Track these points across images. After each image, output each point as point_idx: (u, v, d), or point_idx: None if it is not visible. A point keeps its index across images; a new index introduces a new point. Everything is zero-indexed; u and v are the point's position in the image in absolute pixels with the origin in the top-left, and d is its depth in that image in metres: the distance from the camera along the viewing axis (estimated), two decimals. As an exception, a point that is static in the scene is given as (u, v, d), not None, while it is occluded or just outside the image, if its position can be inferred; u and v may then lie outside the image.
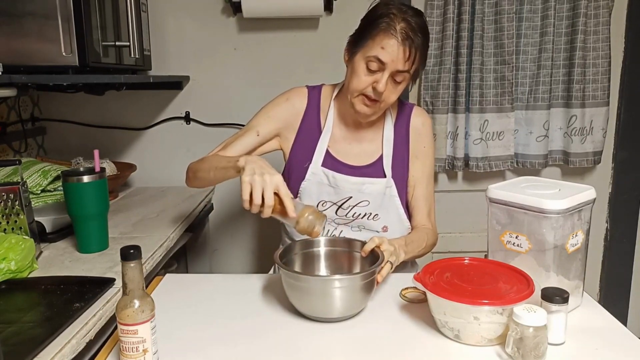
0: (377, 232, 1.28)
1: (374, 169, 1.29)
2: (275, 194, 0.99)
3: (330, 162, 1.28)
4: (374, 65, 1.14)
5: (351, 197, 1.26)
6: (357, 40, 1.18)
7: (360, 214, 1.27)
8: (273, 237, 1.47)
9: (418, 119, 1.33)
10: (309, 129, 1.31)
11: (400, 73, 1.14)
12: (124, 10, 1.48)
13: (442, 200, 2.04)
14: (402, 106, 1.34)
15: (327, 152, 1.29)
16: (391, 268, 1.04)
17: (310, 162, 1.28)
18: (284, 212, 1.00)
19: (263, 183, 0.98)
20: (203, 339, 0.90)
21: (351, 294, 0.94)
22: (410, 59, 1.13)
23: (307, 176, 1.27)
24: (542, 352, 0.79)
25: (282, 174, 1.36)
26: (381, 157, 1.29)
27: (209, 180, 1.21)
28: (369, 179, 1.26)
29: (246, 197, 0.99)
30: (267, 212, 1.00)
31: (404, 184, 1.31)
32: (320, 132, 1.30)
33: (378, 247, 1.03)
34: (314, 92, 1.34)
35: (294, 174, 1.31)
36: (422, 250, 1.25)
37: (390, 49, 1.11)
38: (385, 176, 1.28)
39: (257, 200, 0.98)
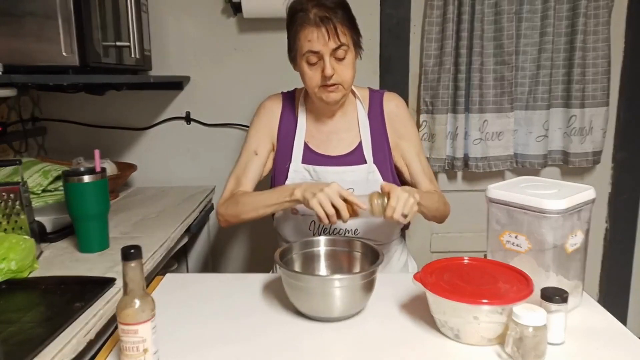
0: (367, 218, 1.29)
1: (354, 157, 1.31)
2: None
3: (310, 156, 1.31)
4: (312, 59, 1.19)
5: None
6: (290, 46, 1.24)
7: None
8: (273, 237, 1.47)
9: (391, 103, 1.36)
10: (287, 130, 1.35)
11: (337, 50, 1.18)
12: (124, 10, 1.48)
13: (442, 200, 2.04)
14: (373, 95, 1.37)
15: (307, 147, 1.32)
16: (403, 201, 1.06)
17: (291, 162, 1.31)
18: (354, 211, 1.07)
19: (327, 196, 1.06)
20: (203, 339, 0.90)
21: (351, 294, 0.94)
22: (334, 35, 1.16)
23: (289, 175, 1.30)
24: (541, 352, 0.79)
25: (271, 178, 1.38)
26: (360, 145, 1.32)
27: (256, 218, 1.24)
28: (350, 167, 1.29)
29: (323, 214, 1.06)
30: (345, 215, 1.06)
31: (387, 167, 1.33)
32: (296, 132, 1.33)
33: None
34: (288, 96, 1.39)
35: (278, 175, 1.34)
36: (437, 202, 1.27)
37: (313, 37, 1.16)
38: (366, 162, 1.30)
39: (330, 210, 1.05)
